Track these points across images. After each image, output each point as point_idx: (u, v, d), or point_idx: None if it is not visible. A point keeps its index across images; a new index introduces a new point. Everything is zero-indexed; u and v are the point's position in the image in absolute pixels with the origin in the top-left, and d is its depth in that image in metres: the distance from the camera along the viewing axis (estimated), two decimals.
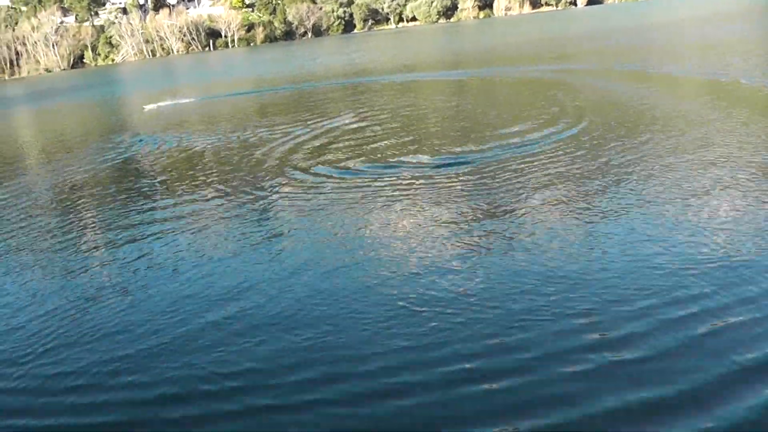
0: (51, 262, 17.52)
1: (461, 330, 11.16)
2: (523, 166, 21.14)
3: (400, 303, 12.38)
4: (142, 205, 22.21)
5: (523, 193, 18.28)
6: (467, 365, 10.17)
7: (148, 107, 53.03)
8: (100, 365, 11.38)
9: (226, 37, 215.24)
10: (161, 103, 54.50)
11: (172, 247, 17.45)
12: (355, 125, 32.34)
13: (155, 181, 25.87)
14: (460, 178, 20.62)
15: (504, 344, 10.63)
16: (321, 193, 20.81)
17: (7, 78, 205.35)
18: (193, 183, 24.56)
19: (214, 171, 26.22)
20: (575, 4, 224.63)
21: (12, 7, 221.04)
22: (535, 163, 21.36)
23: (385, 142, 27.77)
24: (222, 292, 13.93)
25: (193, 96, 59.61)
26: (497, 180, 19.87)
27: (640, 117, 27.05)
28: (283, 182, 22.77)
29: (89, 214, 22.15)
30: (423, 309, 12.02)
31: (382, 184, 21.08)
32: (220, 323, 12.41)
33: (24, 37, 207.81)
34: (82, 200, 24.41)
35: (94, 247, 18.51)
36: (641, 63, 45.18)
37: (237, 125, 37.94)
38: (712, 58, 43.15)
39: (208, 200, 21.85)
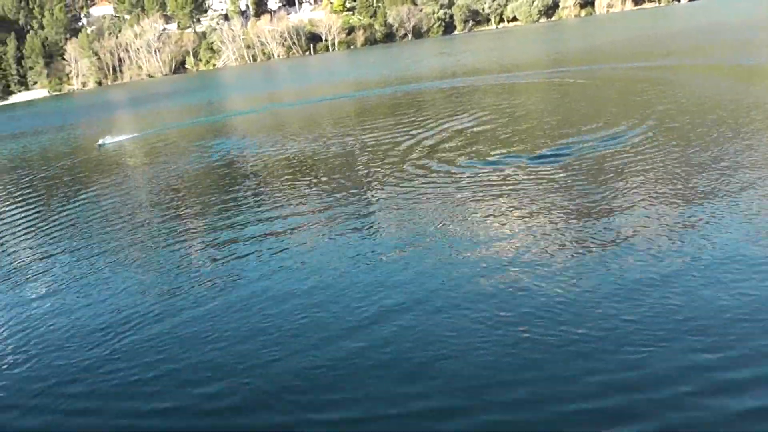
0: (160, 259, 17.21)
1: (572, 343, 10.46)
2: (625, 161, 20.63)
3: (501, 313, 11.65)
4: (246, 206, 21.86)
5: (623, 192, 17.62)
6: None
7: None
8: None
9: (326, 40, 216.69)
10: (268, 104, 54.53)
11: (281, 245, 17.01)
12: (460, 125, 31.43)
13: (257, 183, 25.46)
14: (558, 175, 20.08)
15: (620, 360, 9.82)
16: (426, 191, 20.29)
17: (110, 83, 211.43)
18: (294, 184, 24.09)
19: (317, 173, 25.61)
20: (678, 0, 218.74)
21: (116, 16, 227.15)
22: (637, 159, 20.74)
23: (487, 140, 27.14)
24: (324, 293, 13.41)
25: (292, 99, 59.57)
26: (598, 177, 19.27)
27: (745, 113, 25.58)
28: (388, 181, 22.27)
29: (196, 215, 21.99)
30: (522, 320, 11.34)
31: (485, 181, 20.73)
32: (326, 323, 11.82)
33: (127, 44, 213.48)
34: (191, 199, 24.27)
35: (206, 240, 18.44)
36: (750, 57, 43.34)
37: (340, 127, 37.51)
38: None
39: (312, 200, 21.38)
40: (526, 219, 16.39)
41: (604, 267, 13.02)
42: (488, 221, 16.64)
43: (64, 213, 25.14)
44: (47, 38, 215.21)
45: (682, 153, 20.81)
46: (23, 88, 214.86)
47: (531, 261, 13.69)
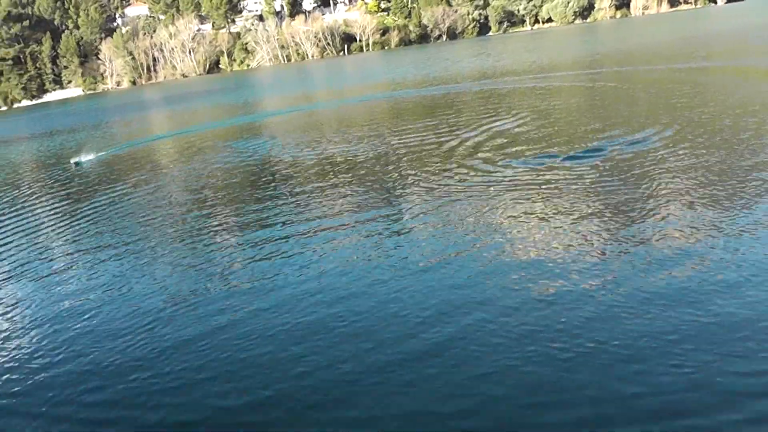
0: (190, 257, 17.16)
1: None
2: (662, 163, 20.27)
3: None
4: (281, 207, 21.61)
5: (663, 195, 17.19)
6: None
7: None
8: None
9: (360, 41, 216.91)
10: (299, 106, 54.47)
11: (312, 242, 16.89)
12: (498, 126, 31.07)
13: (293, 184, 25.26)
14: (599, 177, 19.68)
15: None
16: (462, 193, 19.91)
17: (144, 83, 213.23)
18: (330, 185, 23.88)
19: (352, 174, 25.47)
20: (715, 2, 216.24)
21: (150, 16, 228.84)
22: (674, 161, 20.45)
23: (525, 141, 26.74)
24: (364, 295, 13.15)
25: (327, 99, 59.53)
26: (638, 179, 18.86)
27: None
28: (423, 183, 22.01)
29: (229, 216, 21.83)
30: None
31: (523, 182, 20.44)
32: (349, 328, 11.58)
33: (161, 43, 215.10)
34: (224, 196, 24.25)
35: (240, 241, 18.23)
36: None
37: (375, 128, 37.42)
38: None
39: (346, 202, 21.17)
40: (566, 223, 16.11)
41: (647, 274, 12.61)
42: (525, 226, 16.36)
43: (96, 210, 25.22)
44: (82, 38, 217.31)
45: (719, 157, 20.36)
46: (58, 86, 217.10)
47: (573, 269, 13.30)
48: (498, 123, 32.09)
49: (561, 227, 15.76)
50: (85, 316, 14.14)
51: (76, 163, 39.22)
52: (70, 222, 23.99)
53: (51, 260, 19.20)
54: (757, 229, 14.00)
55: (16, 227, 24.47)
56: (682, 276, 12.26)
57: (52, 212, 26.42)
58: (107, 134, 59.69)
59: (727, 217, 14.97)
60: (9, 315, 15.18)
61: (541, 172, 21.34)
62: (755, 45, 58.19)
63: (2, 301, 16.28)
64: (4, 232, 23.93)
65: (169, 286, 15.29)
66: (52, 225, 24.06)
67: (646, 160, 21.06)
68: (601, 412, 8.79)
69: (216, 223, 20.61)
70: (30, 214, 26.54)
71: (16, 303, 15.97)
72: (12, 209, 28.14)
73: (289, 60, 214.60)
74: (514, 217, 17.07)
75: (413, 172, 24.03)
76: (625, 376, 9.45)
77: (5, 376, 11.98)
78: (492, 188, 20.17)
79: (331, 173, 25.77)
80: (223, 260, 16.74)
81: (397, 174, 24.06)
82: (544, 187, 19.59)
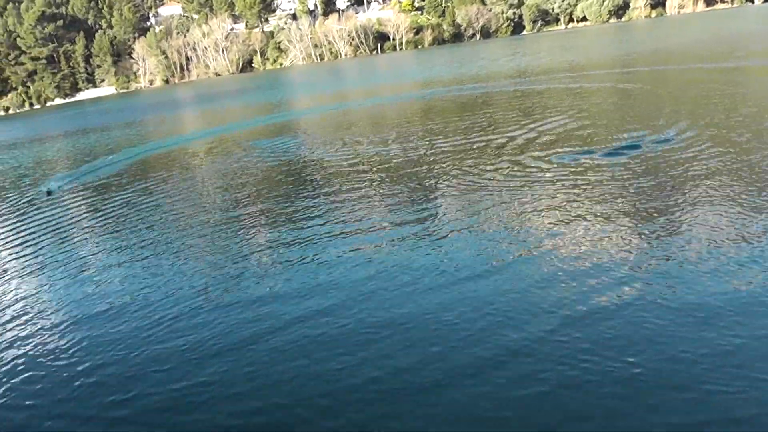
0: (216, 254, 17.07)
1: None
2: (699, 162, 20.15)
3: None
4: (312, 207, 21.50)
5: (700, 195, 16.93)
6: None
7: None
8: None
9: (393, 39, 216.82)
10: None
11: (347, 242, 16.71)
12: (536, 125, 30.85)
13: (325, 183, 25.14)
14: (638, 175, 19.41)
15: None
16: (496, 192, 19.74)
17: (177, 81, 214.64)
18: (363, 186, 23.68)
19: (386, 172, 25.37)
20: (752, 1, 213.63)
21: (184, 15, 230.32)
22: (710, 160, 20.33)
23: (561, 140, 26.52)
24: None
25: (362, 98, 59.47)
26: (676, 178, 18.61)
27: None
28: (458, 181, 21.90)
29: (259, 214, 21.74)
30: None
31: (558, 180, 20.35)
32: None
33: (194, 43, 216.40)
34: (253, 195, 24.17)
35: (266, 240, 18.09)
36: None
37: (410, 127, 37.26)
38: None
39: (379, 201, 21.02)
40: (608, 227, 15.81)
41: (681, 279, 12.34)
42: (564, 229, 16.05)
43: (131, 207, 25.30)
44: (116, 37, 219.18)
45: (758, 158, 19.93)
46: (91, 85, 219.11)
47: (611, 275, 12.98)
48: (536, 122, 31.85)
49: (605, 230, 15.45)
50: (116, 319, 14.04)
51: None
52: (100, 221, 24.08)
53: (74, 261, 19.21)
54: None
55: (50, 223, 24.65)
56: (722, 289, 11.80)
57: (75, 210, 26.61)
58: (141, 133, 60.04)
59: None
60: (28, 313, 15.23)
61: (578, 170, 21.28)
62: None
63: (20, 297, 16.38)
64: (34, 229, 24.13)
65: (201, 291, 15.08)
66: (74, 224, 24.19)
67: (685, 159, 20.86)
68: None
69: (250, 224, 20.39)
70: (57, 211, 26.79)
71: (41, 300, 16.04)
72: (40, 205, 28.33)
73: (322, 59, 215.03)
74: (552, 219, 16.80)
75: (449, 171, 23.81)
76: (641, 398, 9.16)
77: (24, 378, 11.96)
78: (528, 188, 19.96)
79: (368, 173, 25.53)
80: (258, 263, 16.52)
81: (432, 174, 23.84)
82: (581, 186, 19.43)
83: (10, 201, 30.95)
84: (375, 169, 26.07)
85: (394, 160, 27.21)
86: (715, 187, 17.53)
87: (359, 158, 28.74)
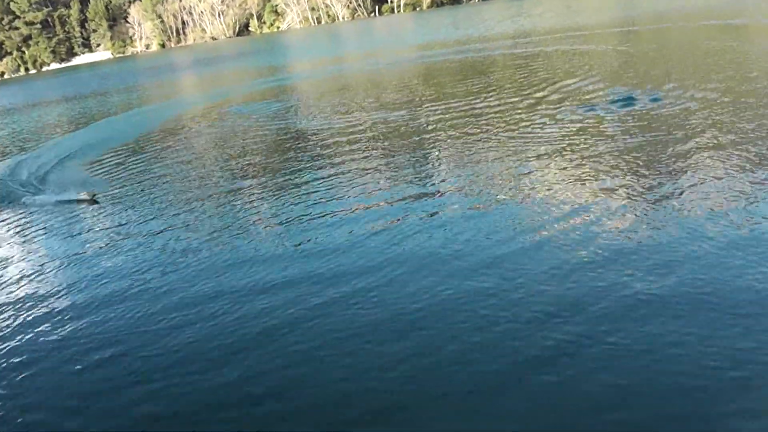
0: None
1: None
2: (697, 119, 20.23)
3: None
4: (314, 177, 21.56)
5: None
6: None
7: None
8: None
9: (391, 2, 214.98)
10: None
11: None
12: (538, 86, 30.71)
13: (319, 150, 25.29)
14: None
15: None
16: (495, 157, 19.52)
17: (173, 45, 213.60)
18: (364, 153, 23.80)
19: (384, 139, 25.47)
20: None
21: None
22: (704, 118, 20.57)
23: (561, 99, 26.14)
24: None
25: (359, 62, 59.14)
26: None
27: None
28: (458, 144, 21.75)
29: (256, 185, 21.93)
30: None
31: (563, 134, 20.52)
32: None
33: (191, 6, 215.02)
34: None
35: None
36: None
37: (408, 92, 37.22)
38: None
39: (378, 169, 21.08)
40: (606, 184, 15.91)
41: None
42: (568, 189, 16.07)
43: (127, 181, 25.41)
44: (111, 1, 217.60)
45: (751, 116, 20.09)
46: (87, 50, 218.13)
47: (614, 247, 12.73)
48: (539, 83, 31.83)
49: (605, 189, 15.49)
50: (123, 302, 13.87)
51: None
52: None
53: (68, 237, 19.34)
54: None
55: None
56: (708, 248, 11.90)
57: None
58: (136, 98, 59.83)
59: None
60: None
61: (583, 126, 21.69)
62: None
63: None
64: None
65: (201, 271, 14.74)
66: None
67: (681, 113, 21.26)
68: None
69: (252, 198, 20.09)
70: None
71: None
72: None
73: (319, 22, 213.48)
74: (555, 178, 16.82)
75: (452, 135, 23.75)
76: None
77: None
78: (529, 146, 20.21)
79: (371, 141, 25.33)
80: (259, 240, 16.41)
81: (438, 139, 23.67)
82: (582, 141, 19.77)
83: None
84: (378, 136, 25.97)
85: (397, 126, 27.14)
86: (709, 145, 17.63)
87: (361, 125, 28.65)
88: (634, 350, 9.17)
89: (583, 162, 17.85)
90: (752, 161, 16.00)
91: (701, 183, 14.98)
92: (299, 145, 26.23)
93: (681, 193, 14.53)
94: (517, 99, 28.49)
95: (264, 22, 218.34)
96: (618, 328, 9.71)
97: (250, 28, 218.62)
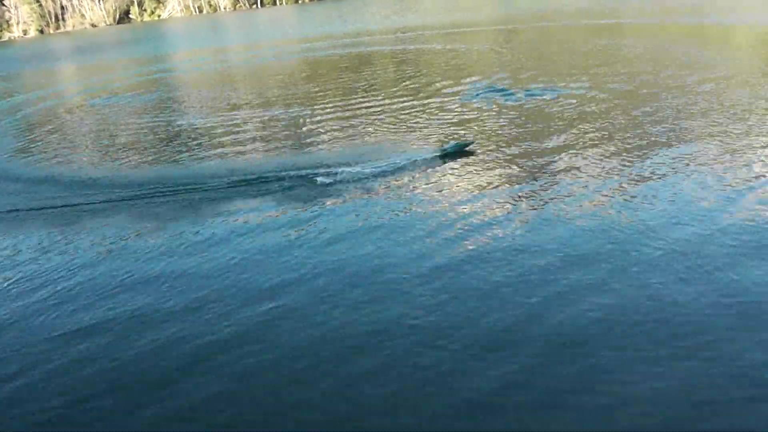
0: None
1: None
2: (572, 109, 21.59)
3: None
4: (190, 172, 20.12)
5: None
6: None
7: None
8: None
9: None
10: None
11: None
12: (418, 79, 30.23)
13: (203, 147, 23.79)
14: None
15: None
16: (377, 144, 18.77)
17: (52, 31, 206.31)
18: (243, 148, 22.67)
19: (266, 137, 24.34)
20: None
21: None
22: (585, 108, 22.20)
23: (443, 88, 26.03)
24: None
25: (241, 55, 57.96)
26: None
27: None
28: (338, 140, 20.88)
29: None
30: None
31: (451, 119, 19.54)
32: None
33: None
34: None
35: None
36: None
37: (287, 89, 36.01)
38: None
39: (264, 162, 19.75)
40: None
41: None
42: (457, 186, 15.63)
43: None
44: None
45: (625, 104, 21.98)
46: None
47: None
48: (418, 79, 32.37)
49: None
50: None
51: None
52: None
53: None
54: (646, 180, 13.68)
55: None
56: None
57: None
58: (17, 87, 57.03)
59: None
60: None
61: (459, 118, 23.02)
62: (669, 5, 59.83)
63: None
64: None
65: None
66: None
67: (556, 103, 23.00)
68: None
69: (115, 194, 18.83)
70: None
71: None
72: None
73: (200, 11, 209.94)
74: (434, 172, 16.28)
75: (334, 128, 23.62)
76: None
77: None
78: (411, 138, 20.84)
79: (250, 140, 24.37)
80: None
81: (320, 137, 23.05)
82: (463, 131, 20.81)
83: None
84: (261, 135, 24.99)
85: (280, 123, 26.26)
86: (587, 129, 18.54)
87: (244, 121, 27.53)
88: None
89: (461, 155, 18.26)
90: (620, 150, 17.36)
91: (570, 170, 15.94)
92: (177, 143, 24.74)
93: (548, 182, 15.04)
94: (400, 93, 28.77)
95: (145, 10, 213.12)
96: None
97: (131, 16, 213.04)
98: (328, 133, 22.60)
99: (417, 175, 17.14)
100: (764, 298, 10.16)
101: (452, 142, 19.42)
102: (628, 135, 18.65)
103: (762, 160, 15.62)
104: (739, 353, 8.91)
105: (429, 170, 17.37)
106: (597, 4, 69.98)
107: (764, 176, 14.58)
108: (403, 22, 75.51)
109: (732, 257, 11.22)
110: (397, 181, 16.87)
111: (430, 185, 16.17)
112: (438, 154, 18.67)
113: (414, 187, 16.25)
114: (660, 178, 15.09)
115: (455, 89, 28.32)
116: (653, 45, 35.94)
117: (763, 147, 16.57)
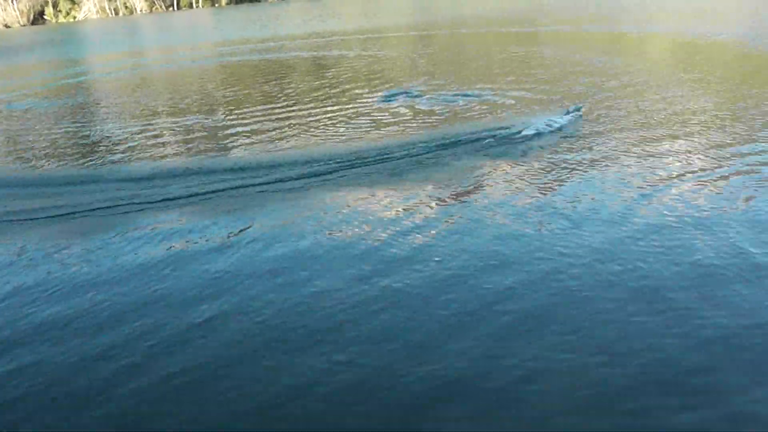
0: None
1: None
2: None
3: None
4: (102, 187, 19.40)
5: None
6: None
7: None
8: None
9: None
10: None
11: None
12: (334, 85, 30.13)
13: (118, 156, 23.14)
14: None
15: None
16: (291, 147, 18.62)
17: None
18: (158, 157, 22.02)
19: (181, 146, 23.72)
20: None
21: None
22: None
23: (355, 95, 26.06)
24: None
25: (158, 60, 57.02)
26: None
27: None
28: (254, 152, 20.43)
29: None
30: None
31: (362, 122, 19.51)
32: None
33: None
34: None
35: None
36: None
37: (202, 95, 35.52)
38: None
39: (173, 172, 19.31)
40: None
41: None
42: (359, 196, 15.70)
43: None
44: None
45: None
46: None
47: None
48: (337, 83, 33.16)
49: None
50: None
51: None
52: None
53: None
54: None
55: None
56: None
57: None
58: None
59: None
60: None
61: (375, 122, 23.59)
62: (585, 15, 61.23)
63: None
64: None
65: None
66: None
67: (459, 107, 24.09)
68: None
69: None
70: None
71: None
72: None
73: (117, 13, 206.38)
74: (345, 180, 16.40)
75: (251, 136, 23.51)
76: None
77: None
78: (328, 143, 20.60)
79: (165, 147, 23.89)
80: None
81: (236, 139, 23.24)
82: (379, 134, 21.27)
83: None
84: (178, 141, 24.48)
85: (197, 131, 25.67)
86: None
87: (160, 129, 26.78)
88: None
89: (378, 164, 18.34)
90: (532, 156, 18.12)
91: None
92: (90, 152, 23.94)
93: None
94: (313, 100, 29.11)
95: (60, 11, 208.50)
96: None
97: (45, 17, 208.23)
98: (245, 139, 23.00)
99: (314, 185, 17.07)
100: (671, 294, 10.43)
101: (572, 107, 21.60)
102: (541, 139, 19.55)
103: (676, 162, 16.58)
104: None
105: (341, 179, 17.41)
106: (515, 13, 71.24)
107: (675, 178, 15.42)
108: (323, 27, 75.35)
109: (640, 256, 11.66)
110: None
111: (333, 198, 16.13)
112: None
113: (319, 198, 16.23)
114: (568, 179, 15.78)
115: (372, 94, 28.93)
116: (569, 52, 37.18)
117: (676, 151, 17.62)
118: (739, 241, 12.11)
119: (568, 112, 21.33)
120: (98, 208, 16.83)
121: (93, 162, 22.31)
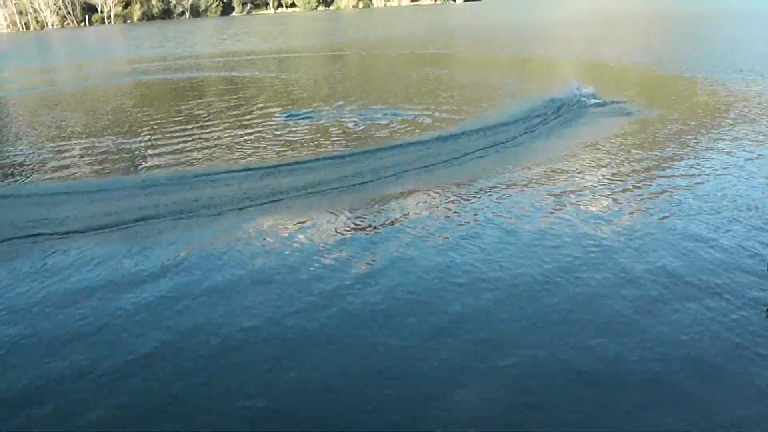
0: None
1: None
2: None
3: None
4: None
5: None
6: None
7: None
8: None
9: (102, 12, 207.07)
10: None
11: None
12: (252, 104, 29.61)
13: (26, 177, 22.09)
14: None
15: None
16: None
17: None
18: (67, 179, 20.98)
19: (95, 167, 22.77)
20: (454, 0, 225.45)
21: None
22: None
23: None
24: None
25: (70, 78, 55.59)
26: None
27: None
28: (172, 171, 19.71)
29: None
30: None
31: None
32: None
33: None
34: None
35: None
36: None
37: (132, 114, 34.36)
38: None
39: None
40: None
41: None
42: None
43: None
44: None
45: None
46: None
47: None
48: (246, 104, 33.54)
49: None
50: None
51: None
52: None
53: None
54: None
55: None
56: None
57: None
58: None
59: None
60: None
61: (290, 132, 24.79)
62: (486, 39, 64.02)
63: None
64: None
65: None
66: None
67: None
68: None
69: None
70: None
71: None
72: None
73: (27, 28, 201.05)
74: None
75: (166, 156, 23.07)
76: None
77: None
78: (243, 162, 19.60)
79: (77, 167, 22.89)
80: None
81: (151, 161, 22.58)
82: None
83: None
84: (88, 162, 23.48)
85: (112, 153, 24.67)
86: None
87: (73, 152, 25.52)
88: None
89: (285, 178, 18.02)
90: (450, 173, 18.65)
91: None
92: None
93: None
94: (223, 119, 29.28)
95: None
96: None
97: None
98: (155, 159, 22.60)
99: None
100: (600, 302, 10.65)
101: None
102: (459, 158, 19.88)
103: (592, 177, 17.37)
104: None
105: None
106: (429, 36, 72.20)
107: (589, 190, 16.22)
108: (238, 46, 74.74)
109: (563, 268, 11.89)
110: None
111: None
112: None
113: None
114: (484, 201, 15.95)
115: (280, 113, 29.57)
116: (483, 74, 38.29)
117: (590, 166, 18.53)
118: (663, 257, 12.29)
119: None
120: (9, 239, 15.88)
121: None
